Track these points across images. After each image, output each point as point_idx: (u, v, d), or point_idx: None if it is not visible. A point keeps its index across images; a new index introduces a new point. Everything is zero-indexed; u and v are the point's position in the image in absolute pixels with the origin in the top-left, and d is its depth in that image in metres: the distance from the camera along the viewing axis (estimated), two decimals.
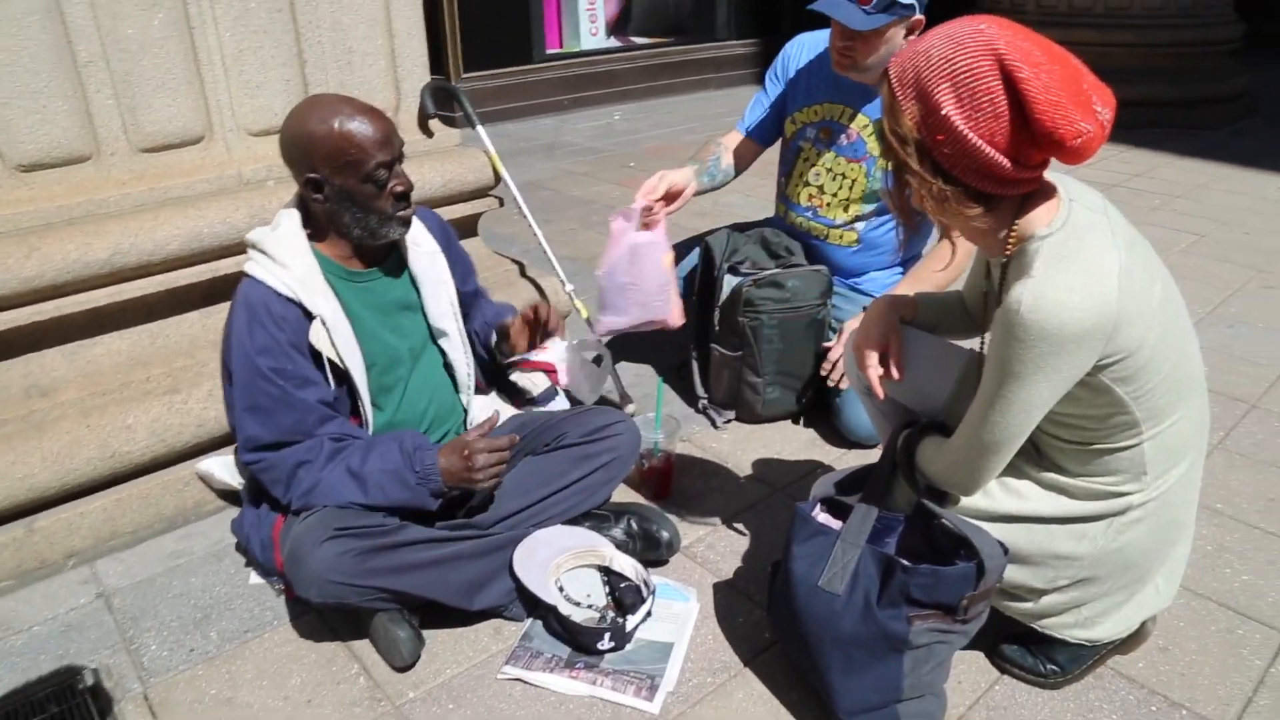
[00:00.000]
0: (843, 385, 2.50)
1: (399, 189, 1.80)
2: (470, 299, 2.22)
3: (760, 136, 2.72)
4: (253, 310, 1.76)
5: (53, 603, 1.98)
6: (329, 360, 1.80)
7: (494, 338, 2.21)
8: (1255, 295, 3.63)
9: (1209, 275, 3.84)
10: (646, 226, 2.19)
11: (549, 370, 2.31)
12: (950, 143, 1.32)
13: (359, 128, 1.72)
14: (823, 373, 2.55)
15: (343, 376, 1.84)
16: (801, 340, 2.56)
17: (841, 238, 2.61)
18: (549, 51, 7.81)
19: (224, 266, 2.31)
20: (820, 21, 2.32)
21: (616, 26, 8.72)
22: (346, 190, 1.76)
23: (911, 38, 2.30)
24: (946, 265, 2.36)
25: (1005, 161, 1.31)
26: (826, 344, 2.60)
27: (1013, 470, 1.62)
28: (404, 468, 1.79)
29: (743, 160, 2.72)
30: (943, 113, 1.30)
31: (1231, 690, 1.72)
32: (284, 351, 1.76)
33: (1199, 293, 3.63)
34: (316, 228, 1.86)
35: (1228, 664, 1.78)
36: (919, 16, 2.27)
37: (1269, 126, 6.70)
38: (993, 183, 1.35)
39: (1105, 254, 1.37)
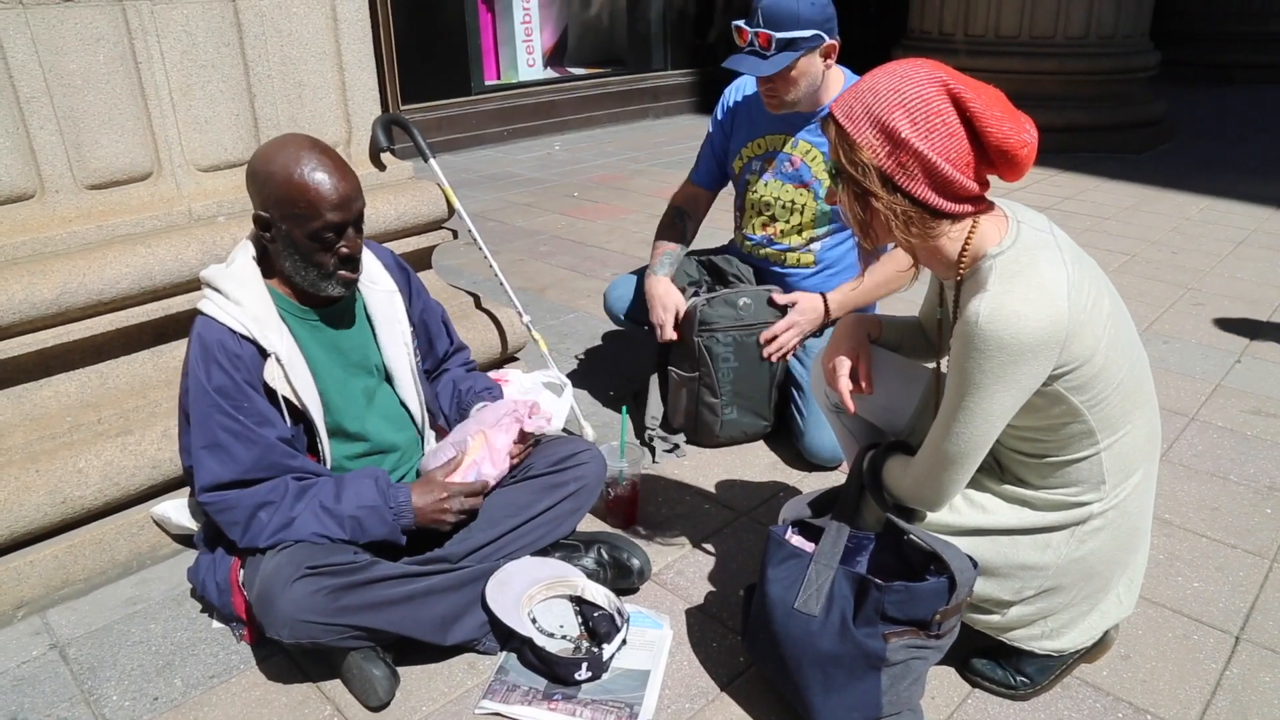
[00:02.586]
0: (774, 359, 2.57)
1: (345, 251, 1.76)
2: (436, 332, 2.20)
3: (709, 184, 2.83)
4: (207, 349, 1.72)
5: (2, 656, 1.90)
6: (284, 399, 1.77)
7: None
8: (1186, 312, 3.77)
9: (1141, 293, 3.98)
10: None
11: None
12: (913, 163, 1.41)
13: (318, 183, 1.68)
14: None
15: (299, 415, 1.81)
16: (757, 360, 2.59)
17: (799, 260, 2.66)
18: (487, 83, 7.84)
19: (175, 304, 2.26)
20: None
21: (553, 57, 8.79)
22: (291, 238, 1.73)
23: (829, 61, 2.42)
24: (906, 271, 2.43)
25: (963, 177, 1.42)
26: (786, 374, 2.63)
27: (976, 485, 1.67)
28: (382, 505, 1.77)
29: (699, 209, 2.84)
30: (902, 136, 1.40)
31: (1191, 694, 1.77)
32: (240, 390, 1.73)
33: (1133, 310, 3.73)
34: (270, 264, 1.83)
35: (1186, 669, 1.83)
36: (830, 42, 2.36)
37: (1186, 151, 7.00)
38: (952, 199, 1.44)
39: (1055, 269, 1.44)
